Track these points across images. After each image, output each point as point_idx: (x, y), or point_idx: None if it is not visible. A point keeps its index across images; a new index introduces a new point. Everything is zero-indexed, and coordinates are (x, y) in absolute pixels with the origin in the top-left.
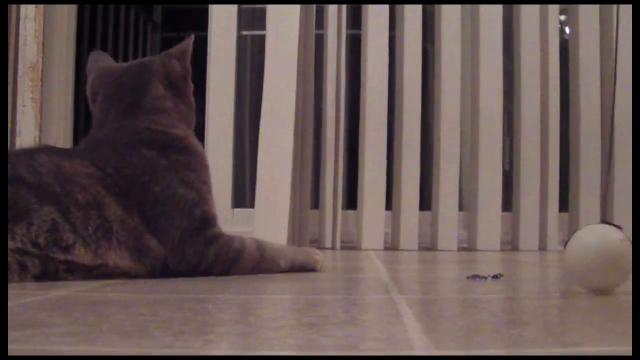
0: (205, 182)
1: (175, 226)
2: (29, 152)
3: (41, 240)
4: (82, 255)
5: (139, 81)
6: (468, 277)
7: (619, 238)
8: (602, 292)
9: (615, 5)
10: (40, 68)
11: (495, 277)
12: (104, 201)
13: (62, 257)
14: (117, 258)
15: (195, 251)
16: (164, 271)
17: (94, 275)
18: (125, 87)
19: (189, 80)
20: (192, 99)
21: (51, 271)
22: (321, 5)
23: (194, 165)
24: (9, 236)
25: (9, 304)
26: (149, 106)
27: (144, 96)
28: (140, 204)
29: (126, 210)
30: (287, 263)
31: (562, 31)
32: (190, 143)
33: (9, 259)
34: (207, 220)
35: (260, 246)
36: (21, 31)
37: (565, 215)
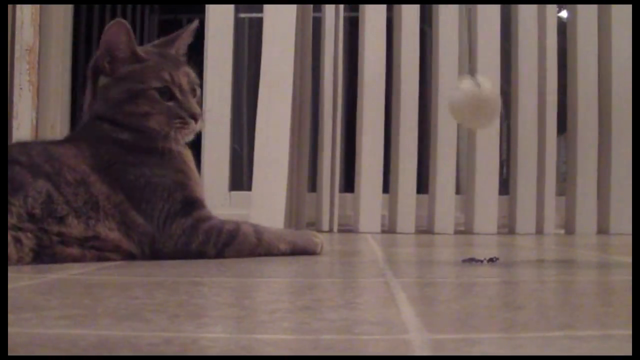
0: (180, 170)
1: (157, 209)
2: (21, 142)
3: (37, 211)
4: (75, 225)
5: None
6: (464, 261)
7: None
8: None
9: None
10: (37, 51)
11: (491, 260)
12: (89, 179)
13: (56, 228)
14: (107, 230)
15: (184, 231)
16: (153, 251)
17: (88, 247)
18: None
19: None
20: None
21: (46, 244)
22: None
23: (159, 162)
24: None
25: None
26: (84, 118)
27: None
28: (122, 184)
29: (110, 187)
30: (287, 246)
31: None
32: (146, 145)
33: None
34: (192, 203)
35: (258, 230)
36: (18, 14)
37: (562, 198)
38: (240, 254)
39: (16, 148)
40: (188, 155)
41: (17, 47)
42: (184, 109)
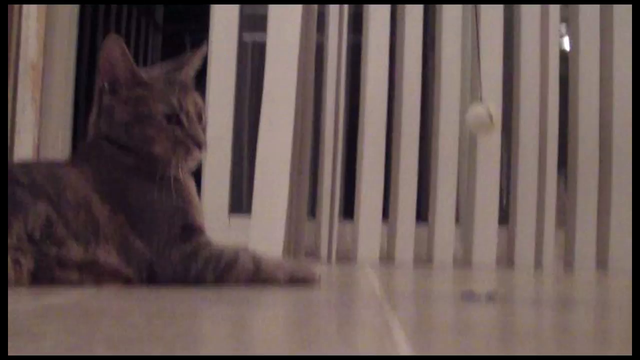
0: (181, 196)
1: (156, 233)
2: (24, 162)
3: (36, 233)
4: (74, 249)
5: None
6: (463, 294)
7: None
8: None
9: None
10: (41, 67)
11: (489, 295)
12: (91, 201)
13: (54, 251)
14: (106, 254)
15: (182, 257)
16: (151, 276)
17: (86, 273)
18: None
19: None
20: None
21: (44, 267)
22: (322, 10)
23: (161, 187)
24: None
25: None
26: (88, 137)
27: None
28: (123, 207)
29: (112, 209)
30: (285, 276)
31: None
32: (148, 170)
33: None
34: (192, 229)
35: (257, 258)
36: (23, 30)
37: (561, 231)
38: (239, 281)
39: (18, 168)
40: (190, 182)
41: (21, 63)
42: (190, 137)
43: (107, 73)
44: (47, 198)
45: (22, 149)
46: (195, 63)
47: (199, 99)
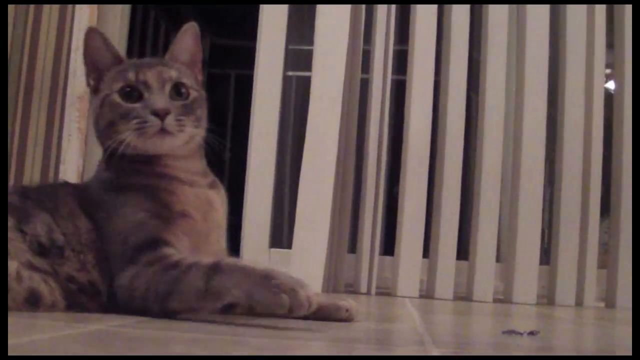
0: (148, 210)
1: (112, 255)
2: (37, 185)
3: (43, 239)
4: (71, 258)
5: None
6: (504, 332)
7: None
8: None
9: None
10: (88, 99)
11: (531, 333)
12: (76, 214)
13: (63, 268)
14: (97, 273)
15: (127, 281)
16: (109, 299)
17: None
18: None
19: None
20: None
21: (71, 291)
22: (367, 47)
23: (129, 200)
24: (20, 238)
25: (45, 335)
26: None
27: None
28: (97, 223)
29: (90, 224)
30: (243, 296)
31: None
32: (125, 182)
33: (26, 272)
34: (148, 246)
35: (211, 272)
36: (72, 62)
37: (603, 271)
38: (186, 305)
39: (30, 188)
40: (191, 193)
41: (68, 94)
42: (147, 107)
43: (93, 69)
44: (47, 210)
45: (67, 176)
46: (179, 42)
47: (167, 70)
